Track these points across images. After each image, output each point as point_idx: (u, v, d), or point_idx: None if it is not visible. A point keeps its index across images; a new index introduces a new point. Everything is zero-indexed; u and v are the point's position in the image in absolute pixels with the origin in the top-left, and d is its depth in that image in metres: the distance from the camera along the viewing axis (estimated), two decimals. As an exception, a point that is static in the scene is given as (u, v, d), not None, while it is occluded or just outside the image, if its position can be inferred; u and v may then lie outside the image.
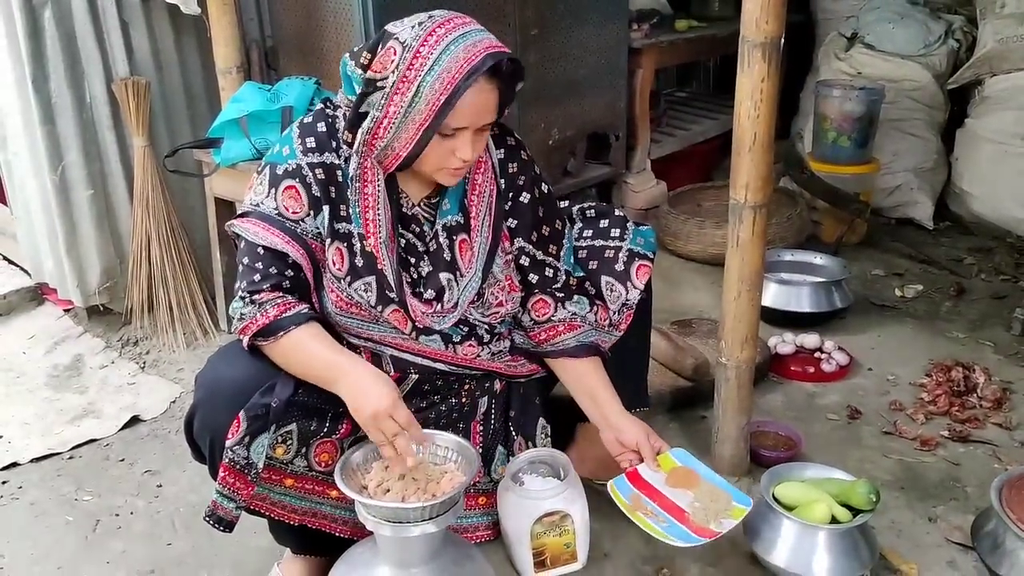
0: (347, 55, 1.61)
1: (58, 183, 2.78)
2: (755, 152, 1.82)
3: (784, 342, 2.66)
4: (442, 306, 1.74)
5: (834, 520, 1.79)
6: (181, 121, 2.94)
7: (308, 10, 2.78)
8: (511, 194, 1.80)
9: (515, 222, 1.82)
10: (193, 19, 2.85)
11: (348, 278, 1.67)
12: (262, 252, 1.61)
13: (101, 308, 2.98)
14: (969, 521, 1.94)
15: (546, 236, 1.84)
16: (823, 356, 2.62)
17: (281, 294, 1.61)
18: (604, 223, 1.93)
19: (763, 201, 1.87)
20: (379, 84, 1.54)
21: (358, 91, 1.58)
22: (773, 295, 2.82)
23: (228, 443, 1.57)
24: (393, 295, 1.67)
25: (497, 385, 1.95)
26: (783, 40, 1.76)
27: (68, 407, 2.60)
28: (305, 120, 1.67)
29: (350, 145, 1.62)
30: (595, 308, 1.89)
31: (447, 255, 1.74)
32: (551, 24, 3.13)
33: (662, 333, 2.50)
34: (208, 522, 1.66)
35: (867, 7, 3.94)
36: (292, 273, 1.63)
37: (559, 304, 1.86)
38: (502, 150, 1.79)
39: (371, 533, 1.61)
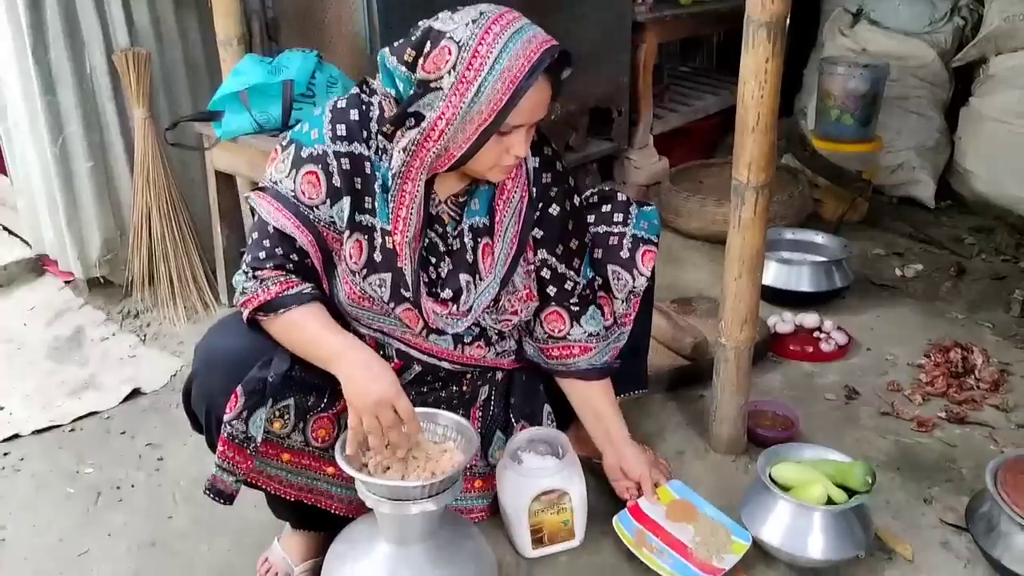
0: (386, 49, 1.58)
1: (58, 154, 2.77)
2: (758, 133, 1.82)
3: (783, 321, 2.66)
4: (458, 308, 1.73)
5: (830, 501, 1.81)
6: (182, 93, 2.93)
7: (309, -19, 2.76)
8: (541, 204, 1.79)
9: (542, 233, 1.81)
10: (194, -10, 2.83)
11: (364, 271, 1.66)
12: (272, 231, 1.61)
13: (102, 280, 2.98)
14: (964, 503, 1.95)
15: (572, 250, 1.84)
16: (822, 336, 2.62)
17: (284, 273, 1.62)
18: (606, 208, 1.93)
19: (765, 182, 1.87)
20: (433, 85, 1.51)
21: (402, 89, 1.56)
22: (773, 274, 2.82)
23: (226, 418, 1.58)
24: (408, 294, 1.67)
25: (499, 375, 1.96)
26: (788, 19, 1.75)
27: (69, 379, 2.61)
28: (339, 104, 1.64)
29: (389, 138, 1.60)
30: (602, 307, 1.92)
31: (469, 257, 1.74)
32: (554, -3, 3.10)
33: (662, 312, 2.51)
34: (208, 495, 1.66)
35: (873, -18, 3.91)
36: (297, 258, 1.63)
37: (574, 320, 1.87)
38: (537, 159, 1.78)
39: (368, 511, 1.63)
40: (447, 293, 1.72)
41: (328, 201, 1.61)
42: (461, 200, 1.73)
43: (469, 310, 1.74)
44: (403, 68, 1.54)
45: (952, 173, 3.75)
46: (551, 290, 1.85)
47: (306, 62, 2.51)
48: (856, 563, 1.82)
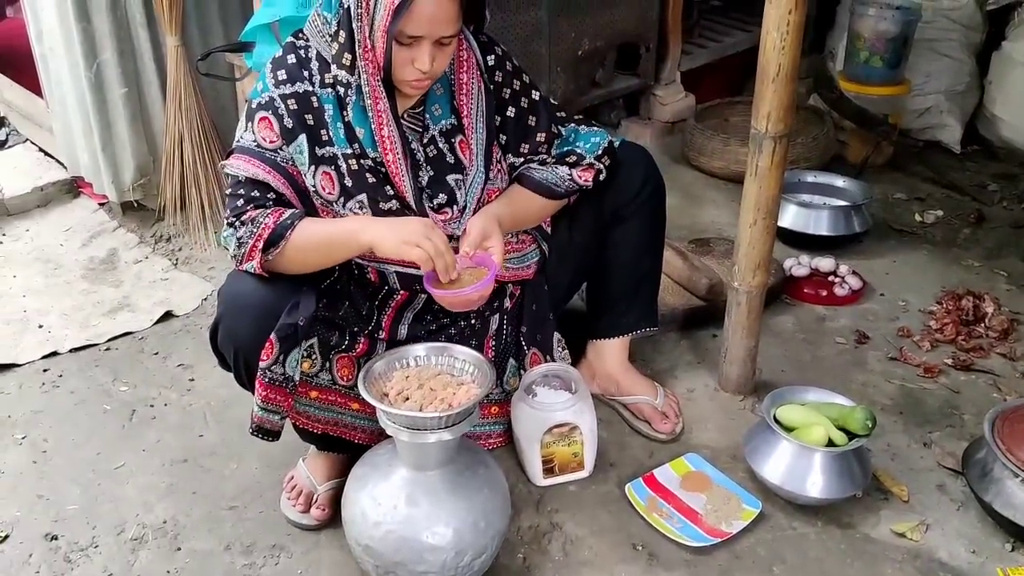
0: None
1: (93, 81, 2.82)
2: (779, 83, 1.84)
3: (799, 264, 2.70)
4: (455, 209, 1.80)
5: (831, 443, 1.88)
6: (213, 20, 2.96)
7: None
8: (496, 102, 1.84)
9: (504, 138, 1.87)
10: (226, -84, 2.84)
11: (341, 199, 1.73)
12: (244, 180, 1.68)
13: (135, 204, 3.06)
14: (963, 448, 2.02)
15: (539, 142, 1.89)
16: (837, 280, 2.66)
17: (267, 209, 1.66)
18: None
19: (784, 132, 1.90)
20: None
21: (341, 10, 1.63)
22: (792, 217, 2.85)
23: (263, 364, 1.66)
24: (392, 205, 1.74)
25: (507, 303, 2.02)
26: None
27: (104, 300, 2.71)
28: (276, 55, 1.73)
29: (350, 70, 1.65)
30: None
31: (450, 158, 1.80)
32: (585, -70, 3.09)
33: (678, 252, 2.56)
34: (256, 435, 1.76)
35: (911, -80, 3.83)
36: (274, 196, 1.69)
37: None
38: (491, 57, 1.83)
39: (389, 438, 1.72)
40: (441, 198, 1.79)
41: (284, 142, 1.69)
42: (417, 111, 1.79)
43: (465, 207, 1.81)
44: None
45: (980, 118, 3.72)
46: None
47: (336, -6, 2.53)
48: (853, 502, 1.91)
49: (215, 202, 2.94)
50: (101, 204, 3.14)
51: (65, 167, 3.23)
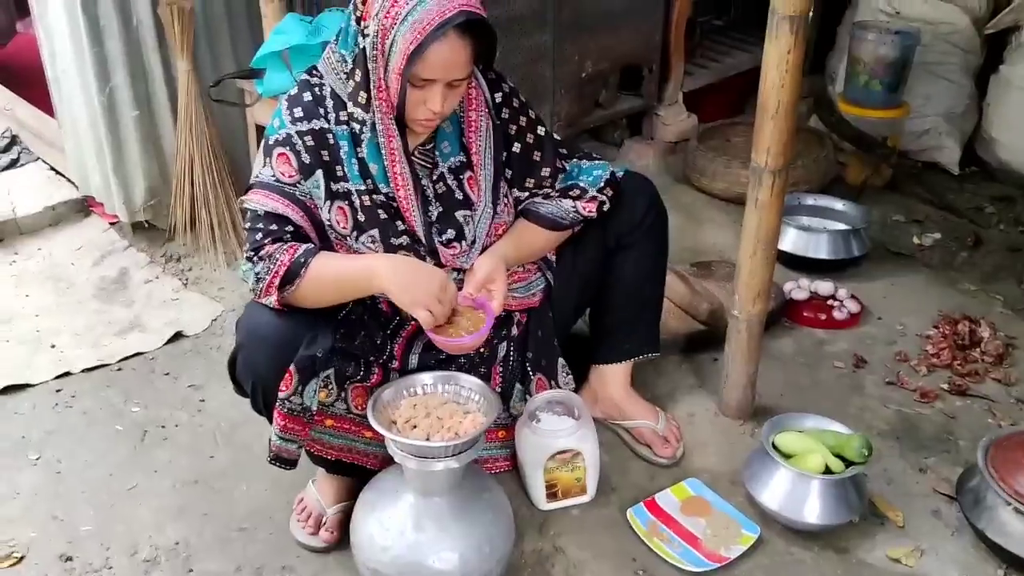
0: (350, 7, 1.69)
1: (105, 103, 2.87)
2: (778, 119, 1.89)
3: (799, 288, 2.75)
4: (464, 243, 1.85)
5: (828, 471, 1.92)
6: (223, 45, 3.01)
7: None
8: (504, 138, 1.89)
9: (511, 173, 1.93)
10: (237, -57, 2.90)
11: (354, 233, 1.78)
12: (263, 215, 1.73)
13: (146, 224, 3.10)
14: (958, 473, 2.06)
15: (544, 176, 1.95)
16: (836, 304, 2.71)
17: (284, 243, 1.71)
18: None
19: (783, 166, 1.94)
20: (365, 32, 1.64)
21: (350, 42, 1.69)
22: (792, 241, 2.90)
23: (282, 395, 1.71)
24: (403, 240, 1.79)
25: (515, 330, 2.07)
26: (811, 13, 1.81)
27: (115, 319, 2.76)
28: (291, 93, 1.78)
29: (365, 107, 1.71)
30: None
31: (459, 194, 1.85)
32: (589, -45, 3.15)
33: (680, 276, 2.60)
34: (274, 465, 1.83)
35: (911, -56, 3.88)
36: (292, 229, 1.73)
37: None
38: (499, 95, 1.88)
39: (396, 464, 1.76)
40: (449, 234, 1.84)
41: (302, 176, 1.74)
42: (427, 148, 1.84)
43: (474, 241, 1.86)
44: (353, 22, 1.67)
45: (978, 140, 3.76)
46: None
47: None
48: (850, 527, 1.95)
49: (225, 223, 2.99)
50: (112, 223, 3.19)
51: (76, 186, 3.27)
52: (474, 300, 1.78)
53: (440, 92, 1.66)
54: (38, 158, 3.55)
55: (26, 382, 2.47)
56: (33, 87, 3.52)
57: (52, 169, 3.46)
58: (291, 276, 1.67)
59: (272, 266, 1.68)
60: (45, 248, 3.13)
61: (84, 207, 3.29)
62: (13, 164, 3.50)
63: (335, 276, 1.71)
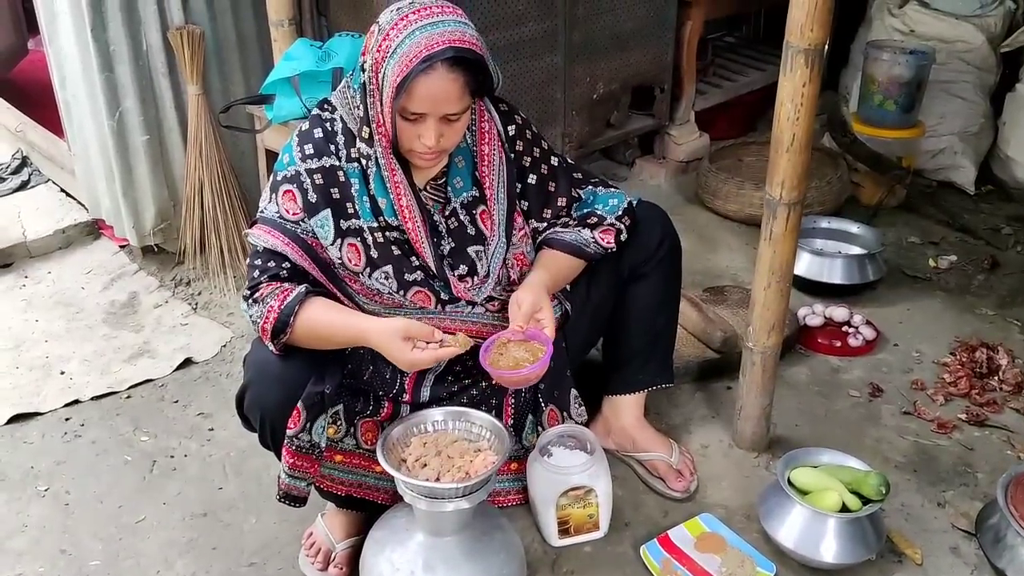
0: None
1: (115, 128, 2.86)
2: (793, 153, 1.86)
3: (813, 314, 2.71)
4: (477, 278, 1.84)
5: (844, 508, 1.89)
6: (234, 70, 3.00)
7: (359, -39, 2.80)
8: (517, 170, 1.88)
9: (527, 204, 1.91)
10: (247, -31, 2.89)
11: (367, 270, 1.77)
12: (262, 251, 1.72)
13: (155, 248, 3.10)
14: (976, 508, 2.03)
15: (560, 206, 1.94)
16: (851, 330, 2.67)
17: (278, 284, 1.70)
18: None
19: (797, 199, 1.92)
20: (364, 66, 1.65)
21: (357, 77, 1.70)
22: (806, 265, 2.86)
23: (290, 433, 1.71)
24: (416, 276, 1.79)
25: None
26: (827, 44, 1.78)
27: (125, 345, 2.75)
28: (303, 127, 1.77)
29: (369, 142, 1.70)
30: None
31: (471, 230, 1.84)
32: (601, -24, 3.13)
33: (693, 303, 2.58)
34: (283, 503, 1.82)
35: (925, -38, 3.85)
36: (289, 265, 1.72)
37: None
38: (512, 127, 1.87)
39: (407, 502, 1.74)
40: (462, 269, 1.83)
41: (306, 215, 1.72)
42: (439, 183, 1.83)
43: (487, 275, 1.85)
44: (360, 57, 1.68)
45: (994, 159, 3.73)
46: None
47: (355, 47, 2.57)
48: (867, 564, 1.92)
49: (234, 247, 2.98)
50: (122, 246, 3.18)
51: (86, 208, 3.27)
52: (524, 332, 1.76)
53: (433, 126, 1.65)
54: (48, 179, 3.55)
55: (35, 410, 2.46)
56: (44, 107, 3.52)
57: (62, 191, 3.46)
58: (281, 325, 1.67)
59: (263, 310, 1.68)
60: (55, 271, 3.13)
61: (94, 230, 3.29)
62: (23, 186, 3.51)
63: (324, 333, 1.70)
